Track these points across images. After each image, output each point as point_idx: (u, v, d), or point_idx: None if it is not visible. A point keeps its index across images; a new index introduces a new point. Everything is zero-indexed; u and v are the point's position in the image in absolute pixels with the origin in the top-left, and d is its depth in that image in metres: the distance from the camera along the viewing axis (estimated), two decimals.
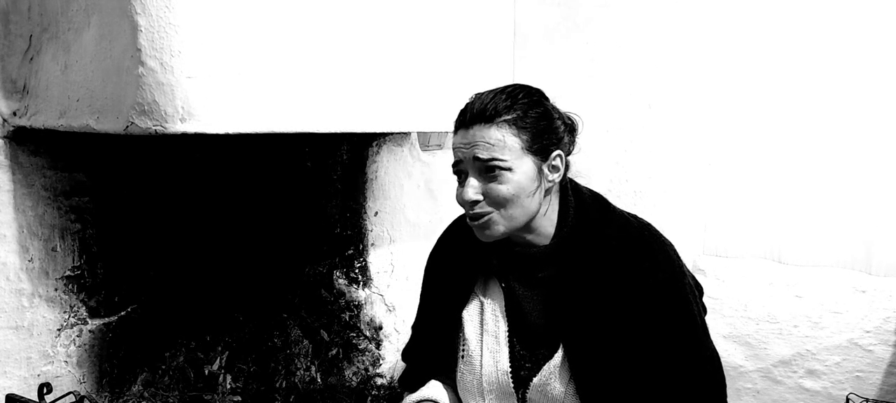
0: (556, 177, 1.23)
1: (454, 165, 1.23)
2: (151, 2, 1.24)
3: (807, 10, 2.23)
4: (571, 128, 1.26)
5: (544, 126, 1.20)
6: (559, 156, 1.22)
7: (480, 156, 1.17)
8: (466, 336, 1.33)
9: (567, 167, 1.26)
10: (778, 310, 2.34)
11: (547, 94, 1.27)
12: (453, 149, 1.23)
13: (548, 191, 1.24)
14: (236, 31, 1.35)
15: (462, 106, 1.24)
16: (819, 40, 2.22)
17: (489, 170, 1.17)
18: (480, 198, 1.19)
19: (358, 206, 2.32)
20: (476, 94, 1.23)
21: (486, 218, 1.20)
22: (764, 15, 2.29)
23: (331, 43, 1.53)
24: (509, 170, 1.17)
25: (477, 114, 1.18)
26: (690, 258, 2.46)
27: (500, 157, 1.16)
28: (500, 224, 1.20)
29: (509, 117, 1.17)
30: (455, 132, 1.23)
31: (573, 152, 1.27)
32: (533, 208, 1.21)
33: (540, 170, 1.20)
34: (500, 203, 1.18)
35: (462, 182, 1.22)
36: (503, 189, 1.17)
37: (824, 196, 2.24)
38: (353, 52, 1.58)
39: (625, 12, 2.51)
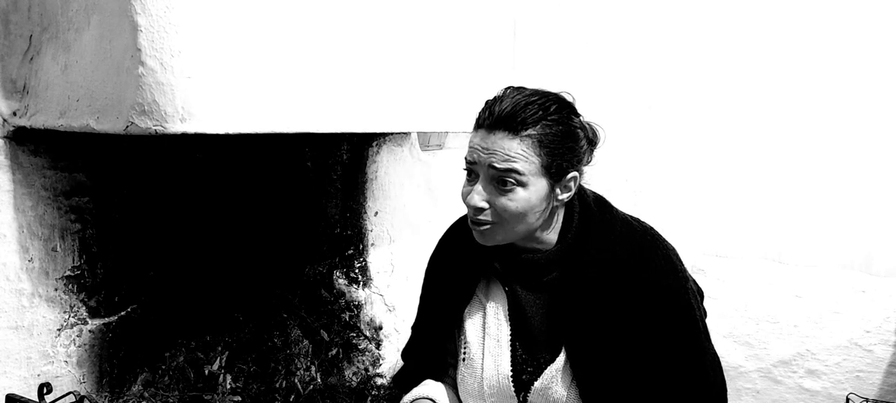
0: (567, 196, 1.22)
1: (467, 162, 1.20)
2: (151, 2, 1.24)
3: (807, 11, 2.23)
4: (592, 142, 1.24)
5: (568, 147, 1.17)
6: (574, 178, 1.20)
7: (496, 165, 1.14)
8: (468, 338, 1.33)
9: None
10: (778, 310, 2.34)
11: (576, 107, 1.22)
12: (470, 146, 1.19)
13: (555, 208, 1.23)
14: (236, 31, 1.35)
15: (490, 97, 1.18)
16: (819, 42, 2.22)
17: (501, 181, 1.15)
18: (486, 206, 1.17)
19: (358, 206, 2.32)
20: (507, 91, 1.18)
21: (486, 226, 1.19)
22: (765, 16, 2.29)
23: (330, 43, 1.53)
24: (522, 186, 1.14)
25: (504, 118, 1.13)
26: (690, 258, 2.46)
27: (517, 171, 1.13)
28: (500, 235, 1.20)
29: (535, 132, 1.13)
30: (476, 128, 1.18)
31: (589, 163, 1.24)
32: (536, 224, 1.21)
33: (552, 190, 1.19)
34: (504, 216, 1.16)
35: (470, 181, 1.19)
36: (511, 205, 1.15)
37: (824, 196, 2.25)
38: (352, 51, 1.58)
39: (625, 13, 2.51)
